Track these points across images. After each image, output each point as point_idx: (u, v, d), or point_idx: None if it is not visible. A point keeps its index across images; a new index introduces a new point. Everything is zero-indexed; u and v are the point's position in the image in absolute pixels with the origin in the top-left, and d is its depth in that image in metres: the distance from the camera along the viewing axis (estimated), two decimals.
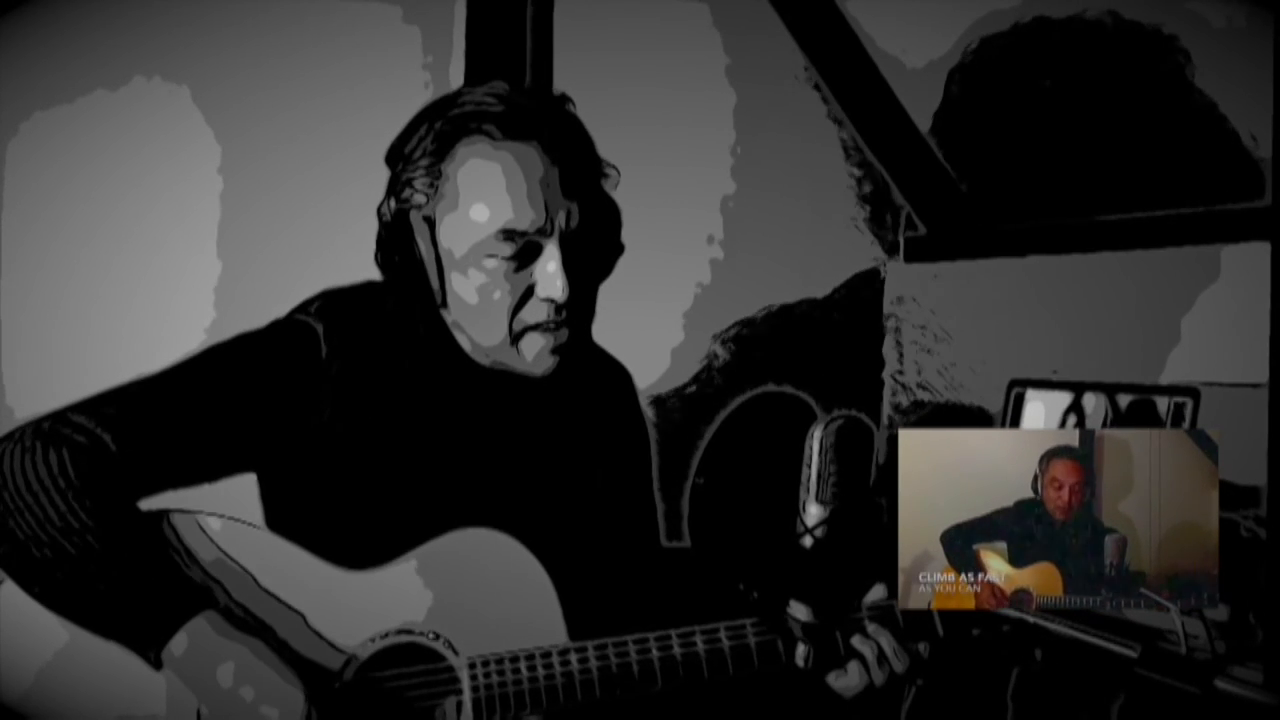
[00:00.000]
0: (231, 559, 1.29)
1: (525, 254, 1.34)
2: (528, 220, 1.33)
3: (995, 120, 2.60)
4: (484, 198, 1.33)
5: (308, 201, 2.24)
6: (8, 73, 2.09)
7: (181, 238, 2.21)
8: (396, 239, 1.38)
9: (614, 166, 1.44)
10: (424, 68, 2.36)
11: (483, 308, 1.36)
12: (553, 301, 1.34)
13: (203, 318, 2.16)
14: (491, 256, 1.34)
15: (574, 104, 1.42)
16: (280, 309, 1.41)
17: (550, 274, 1.33)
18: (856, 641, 1.35)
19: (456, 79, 2.35)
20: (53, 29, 2.12)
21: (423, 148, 1.36)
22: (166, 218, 2.20)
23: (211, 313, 2.19)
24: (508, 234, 1.33)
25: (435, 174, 1.35)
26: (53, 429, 1.25)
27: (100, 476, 1.24)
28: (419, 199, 1.36)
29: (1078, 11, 2.38)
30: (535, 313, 1.35)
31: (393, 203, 1.38)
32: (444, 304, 1.39)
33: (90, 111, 2.14)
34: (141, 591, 1.20)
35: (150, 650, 1.20)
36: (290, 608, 1.29)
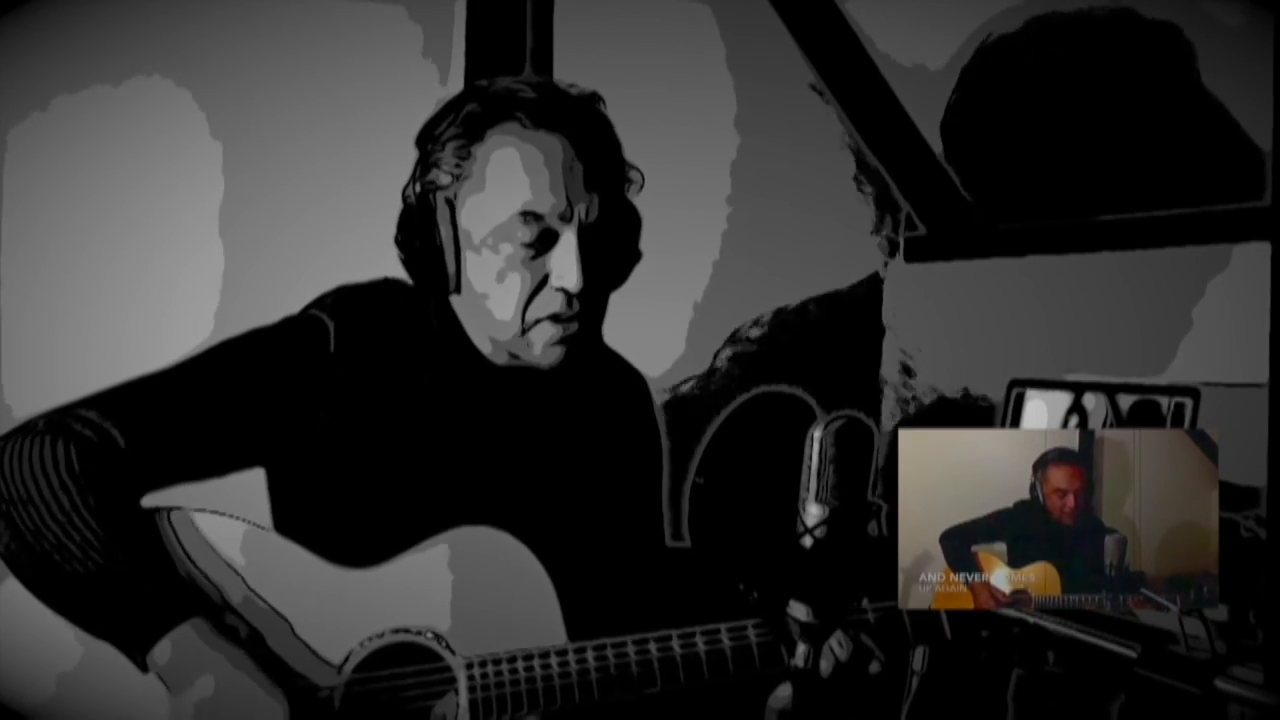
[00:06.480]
0: (225, 561, 1.29)
1: (542, 242, 1.34)
2: (548, 205, 1.33)
3: (998, 120, 2.59)
4: (507, 181, 1.33)
5: (309, 202, 2.24)
6: (8, 72, 2.09)
7: (182, 238, 2.21)
8: (419, 222, 1.38)
9: (639, 171, 1.44)
10: (424, 68, 2.36)
11: (496, 293, 1.36)
12: (566, 291, 1.34)
13: (203, 318, 2.16)
14: (509, 241, 1.34)
15: (605, 103, 1.42)
16: (281, 310, 1.41)
17: (565, 263, 1.33)
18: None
19: (457, 79, 2.35)
20: (53, 28, 2.12)
21: (453, 130, 1.36)
22: (167, 217, 2.20)
23: (211, 314, 2.19)
24: (526, 216, 1.33)
25: (462, 155, 1.35)
26: (62, 423, 1.25)
27: (106, 474, 1.24)
28: (444, 179, 1.36)
29: (1083, 9, 2.38)
30: (547, 303, 1.35)
31: (418, 185, 1.38)
32: (457, 289, 1.39)
33: (91, 111, 2.14)
34: (133, 595, 1.20)
35: (135, 654, 1.20)
36: (279, 614, 1.29)
